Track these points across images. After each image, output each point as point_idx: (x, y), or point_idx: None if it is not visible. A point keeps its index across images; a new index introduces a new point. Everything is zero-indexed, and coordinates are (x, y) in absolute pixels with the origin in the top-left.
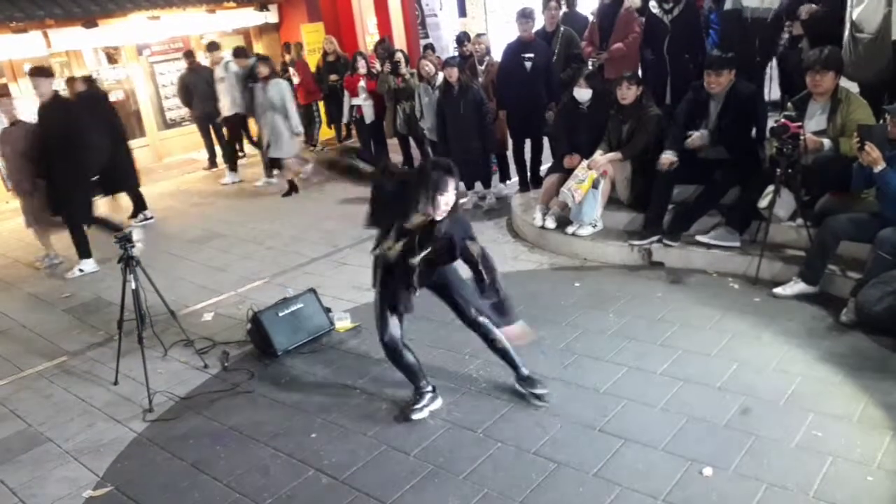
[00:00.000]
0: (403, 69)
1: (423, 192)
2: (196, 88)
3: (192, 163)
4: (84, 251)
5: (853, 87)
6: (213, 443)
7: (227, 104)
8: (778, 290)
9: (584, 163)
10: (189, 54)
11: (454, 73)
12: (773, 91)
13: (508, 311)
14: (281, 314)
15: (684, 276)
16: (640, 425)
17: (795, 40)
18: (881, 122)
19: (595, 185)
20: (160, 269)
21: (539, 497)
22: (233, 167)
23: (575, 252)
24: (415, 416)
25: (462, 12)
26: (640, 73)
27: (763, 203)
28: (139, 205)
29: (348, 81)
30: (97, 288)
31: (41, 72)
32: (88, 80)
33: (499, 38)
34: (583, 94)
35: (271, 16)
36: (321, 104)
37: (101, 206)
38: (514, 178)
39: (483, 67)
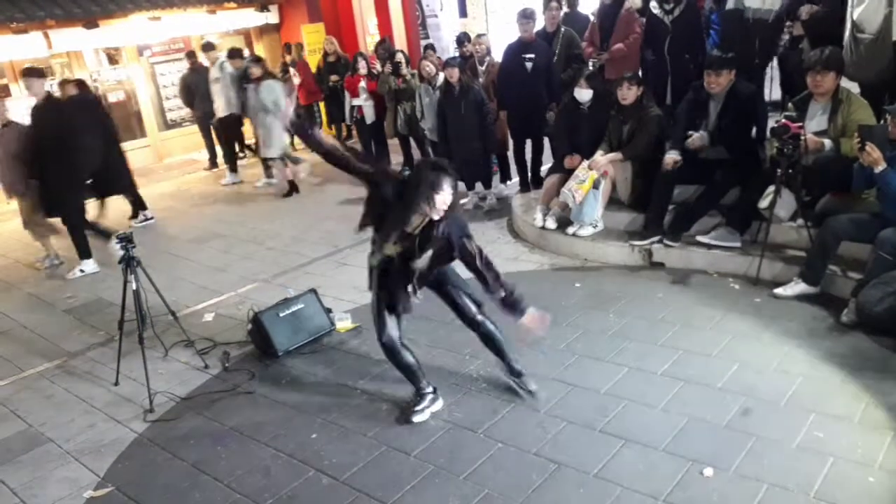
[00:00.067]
0: (404, 70)
1: (421, 191)
2: (198, 89)
3: (193, 163)
4: (84, 252)
5: (854, 88)
6: (213, 443)
7: (222, 105)
8: (779, 291)
9: (585, 163)
10: (191, 55)
11: (455, 74)
12: (773, 91)
13: (519, 301)
14: (282, 315)
15: (685, 276)
16: (641, 426)
17: (796, 41)
18: (882, 122)
19: (596, 186)
20: (161, 270)
21: (540, 498)
22: (233, 168)
23: (575, 252)
24: (415, 419)
25: (463, 13)
26: (640, 73)
27: (764, 203)
28: (138, 205)
29: (349, 82)
30: (98, 288)
31: (34, 72)
32: (80, 83)
33: (500, 38)
34: (583, 94)
35: (272, 16)
36: (322, 105)
37: (91, 209)
38: (515, 179)
39: (484, 68)
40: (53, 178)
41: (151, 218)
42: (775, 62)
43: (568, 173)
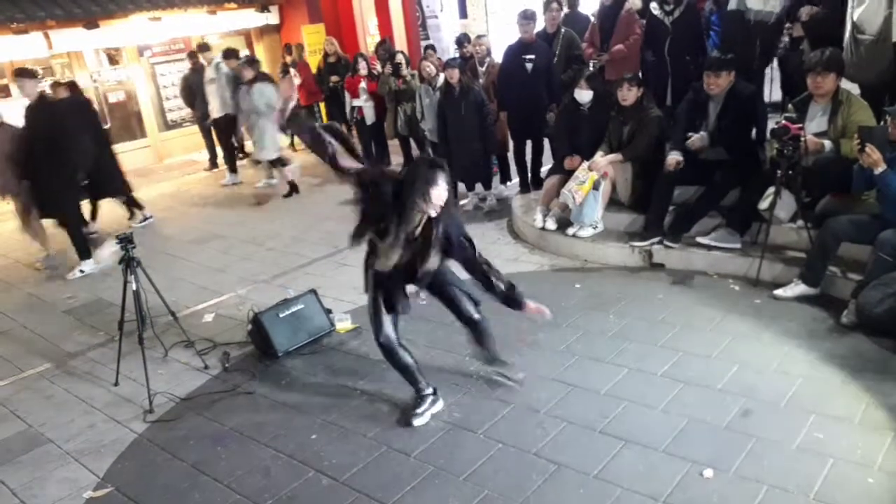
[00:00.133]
0: (404, 70)
1: (416, 187)
2: (199, 89)
3: (193, 164)
4: (84, 252)
5: (854, 89)
6: (213, 444)
7: (217, 106)
8: (779, 292)
9: (585, 164)
10: (193, 55)
11: (455, 75)
12: (773, 93)
13: (520, 296)
14: (281, 315)
15: (685, 277)
16: (641, 427)
17: (796, 42)
18: (882, 123)
19: (596, 187)
20: (161, 270)
21: (540, 499)
22: (232, 168)
23: (575, 253)
24: (416, 422)
25: (463, 13)
26: (640, 74)
27: (764, 204)
28: (133, 205)
29: (349, 83)
30: (98, 289)
31: (26, 73)
32: (72, 85)
33: (500, 39)
34: (583, 95)
35: (272, 17)
36: (322, 105)
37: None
38: (515, 180)
39: (484, 69)
40: (46, 179)
41: (150, 217)
42: (775, 63)
43: (568, 174)
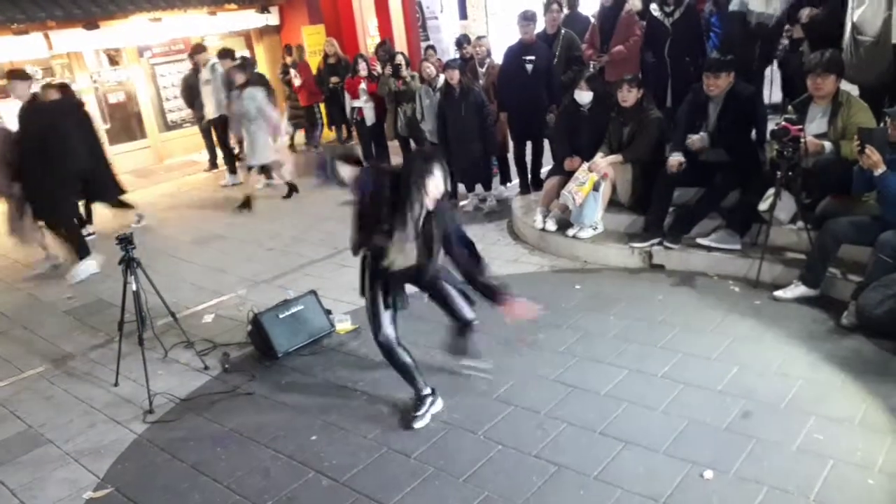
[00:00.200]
0: (404, 72)
1: (412, 180)
2: (198, 90)
3: (193, 164)
4: (84, 253)
5: (853, 90)
6: (213, 444)
7: (212, 107)
8: (779, 293)
9: (585, 165)
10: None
11: (455, 76)
12: (773, 94)
13: (503, 290)
14: (281, 316)
15: (685, 278)
16: (641, 428)
17: (796, 43)
18: (881, 125)
19: (596, 188)
20: (161, 271)
21: (540, 500)
22: (232, 169)
23: (575, 254)
24: (417, 425)
25: (463, 14)
26: (640, 75)
27: (764, 206)
28: (123, 207)
29: (349, 84)
30: (98, 289)
31: (17, 75)
32: (63, 87)
33: (500, 40)
34: (583, 96)
35: (272, 18)
36: (322, 106)
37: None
38: (515, 181)
39: (484, 70)
40: (38, 181)
41: (142, 217)
42: (775, 65)
43: (568, 175)
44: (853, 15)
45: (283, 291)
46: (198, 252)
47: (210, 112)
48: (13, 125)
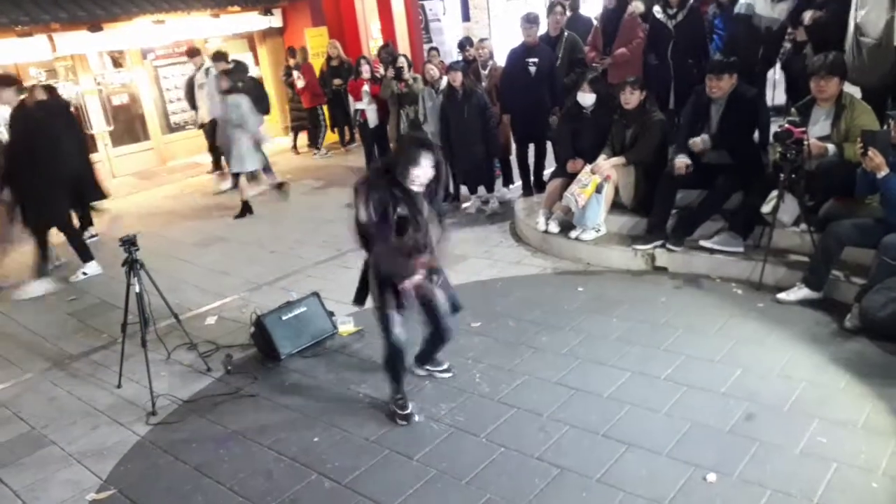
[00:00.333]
0: (407, 74)
1: (399, 170)
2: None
3: (196, 166)
4: (86, 255)
5: (855, 92)
6: (216, 446)
7: (206, 111)
8: (782, 296)
9: (588, 167)
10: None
11: (458, 78)
12: (776, 96)
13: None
14: (284, 318)
15: (688, 281)
16: (644, 431)
17: (799, 46)
18: (885, 127)
19: (598, 190)
20: (163, 273)
21: (542, 502)
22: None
23: (578, 256)
24: (418, 418)
25: (466, 17)
26: (643, 77)
27: (767, 208)
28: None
29: (352, 86)
30: (101, 291)
31: (3, 81)
32: (50, 88)
33: (503, 42)
34: (586, 98)
35: (275, 20)
36: (325, 108)
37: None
38: (518, 183)
39: (486, 72)
40: (28, 185)
41: (95, 236)
42: (778, 67)
43: (571, 177)
44: (856, 17)
45: (285, 293)
46: (201, 254)
47: (204, 115)
48: (2, 133)
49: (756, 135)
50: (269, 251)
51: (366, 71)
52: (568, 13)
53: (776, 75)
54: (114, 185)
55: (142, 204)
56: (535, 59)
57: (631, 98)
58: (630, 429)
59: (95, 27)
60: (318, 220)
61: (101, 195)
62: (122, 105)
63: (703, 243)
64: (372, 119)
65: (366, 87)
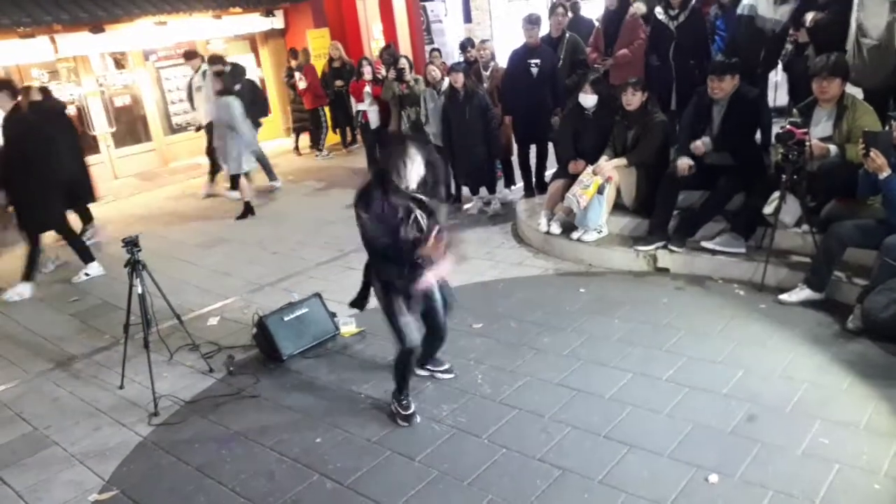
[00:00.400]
0: (408, 75)
1: (390, 168)
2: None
3: (198, 167)
4: (87, 256)
5: (857, 93)
6: (218, 447)
7: (203, 113)
8: (784, 297)
9: (590, 168)
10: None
11: (460, 79)
12: (778, 98)
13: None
14: (286, 319)
15: (689, 282)
16: (646, 432)
17: (801, 47)
18: (887, 128)
19: (600, 191)
20: (166, 274)
21: None
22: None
23: (580, 257)
24: (419, 418)
25: (467, 18)
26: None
27: (768, 209)
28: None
29: (354, 87)
30: (103, 292)
31: None
32: (44, 90)
33: (504, 43)
34: (588, 99)
35: (277, 21)
36: (327, 109)
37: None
38: (519, 184)
39: (488, 73)
40: (22, 187)
41: (91, 238)
42: (780, 68)
43: (572, 178)
44: (857, 18)
45: (287, 294)
46: (203, 255)
47: (201, 117)
48: None
49: (758, 136)
50: (270, 252)
51: (367, 72)
52: (569, 14)
53: (778, 76)
54: (116, 186)
55: (144, 205)
56: (537, 61)
57: (633, 99)
58: (632, 430)
59: (97, 28)
60: (319, 222)
61: (92, 198)
62: (125, 106)
63: (704, 244)
64: (373, 120)
65: (367, 89)
